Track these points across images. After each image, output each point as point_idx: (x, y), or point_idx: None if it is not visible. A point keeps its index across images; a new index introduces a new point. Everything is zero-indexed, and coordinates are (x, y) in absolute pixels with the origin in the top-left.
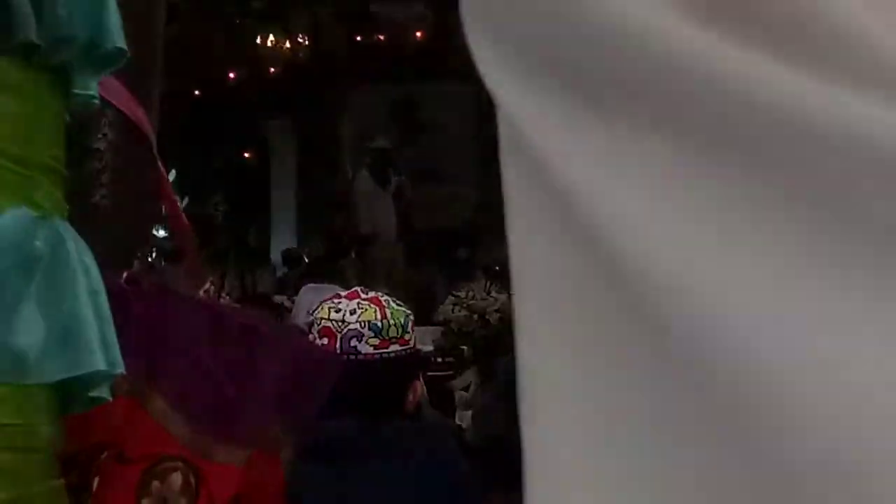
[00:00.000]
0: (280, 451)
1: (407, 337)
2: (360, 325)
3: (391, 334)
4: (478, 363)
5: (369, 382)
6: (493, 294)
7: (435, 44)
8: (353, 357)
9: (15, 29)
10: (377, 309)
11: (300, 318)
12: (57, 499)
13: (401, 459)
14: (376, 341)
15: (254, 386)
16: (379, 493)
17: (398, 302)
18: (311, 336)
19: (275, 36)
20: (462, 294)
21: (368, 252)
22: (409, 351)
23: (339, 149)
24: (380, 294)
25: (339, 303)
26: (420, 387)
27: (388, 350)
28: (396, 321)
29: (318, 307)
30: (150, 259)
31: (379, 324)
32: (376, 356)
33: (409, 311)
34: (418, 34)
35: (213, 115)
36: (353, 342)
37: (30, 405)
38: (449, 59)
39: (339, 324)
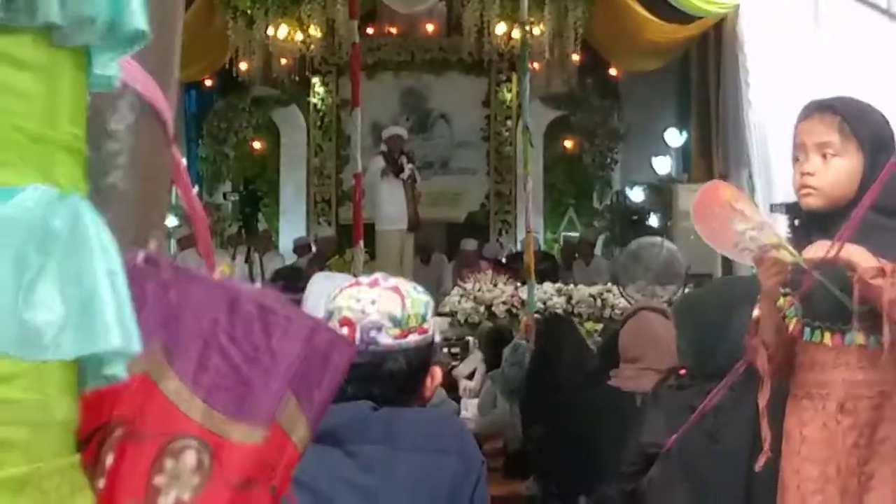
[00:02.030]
0: (294, 431)
1: (426, 325)
2: (380, 315)
3: (411, 324)
4: (483, 353)
5: (389, 372)
6: (500, 286)
7: (446, 37)
8: (372, 347)
9: (37, 8)
10: (397, 299)
11: (310, 305)
12: (72, 475)
13: (410, 445)
14: (396, 332)
15: (269, 366)
16: (387, 478)
17: (419, 289)
18: (330, 325)
19: (287, 27)
20: (468, 285)
21: (378, 242)
22: (427, 340)
23: (349, 139)
24: (400, 282)
25: (360, 291)
26: (439, 372)
27: (408, 340)
28: (416, 311)
29: (337, 295)
30: (165, 242)
31: (399, 314)
32: (395, 346)
33: (428, 299)
34: (430, 27)
35: (225, 105)
36: (373, 333)
37: (46, 381)
38: (460, 52)
39: (359, 314)
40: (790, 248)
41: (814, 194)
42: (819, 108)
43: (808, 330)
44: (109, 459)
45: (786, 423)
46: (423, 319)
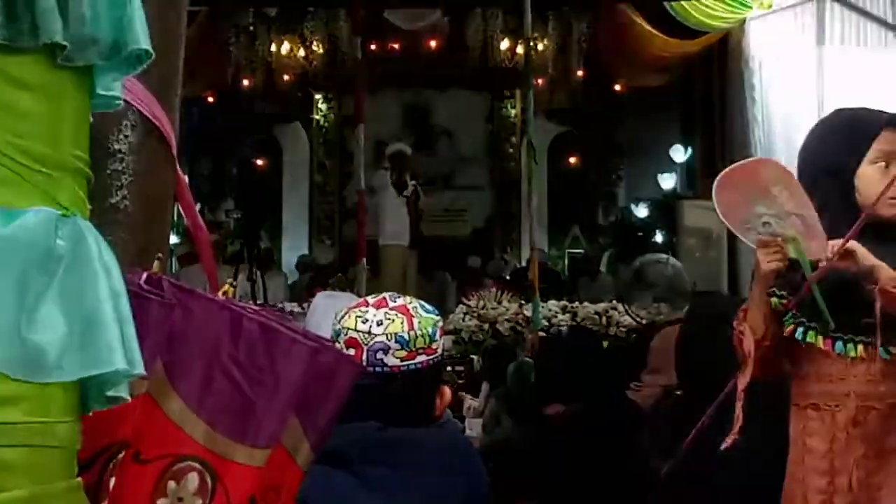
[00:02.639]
0: (298, 453)
1: (434, 346)
2: (387, 337)
3: (418, 345)
4: (488, 371)
5: (396, 393)
6: (504, 303)
7: (449, 52)
8: (379, 369)
9: (41, 29)
10: (404, 319)
11: (313, 324)
12: (75, 497)
13: (417, 465)
14: (403, 353)
15: (272, 387)
16: (394, 499)
17: (427, 308)
18: (336, 345)
19: (290, 44)
20: (472, 303)
21: (381, 259)
22: (436, 360)
23: (352, 156)
24: (408, 301)
25: (366, 312)
26: (448, 391)
27: (416, 361)
28: (424, 332)
29: (344, 315)
30: (167, 261)
31: (406, 336)
32: (402, 368)
33: (437, 318)
34: (433, 43)
35: (227, 122)
36: (380, 355)
37: (49, 404)
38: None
39: (366, 335)
40: (801, 249)
41: None
42: None
43: (800, 330)
44: (112, 482)
45: (790, 432)
46: (432, 340)
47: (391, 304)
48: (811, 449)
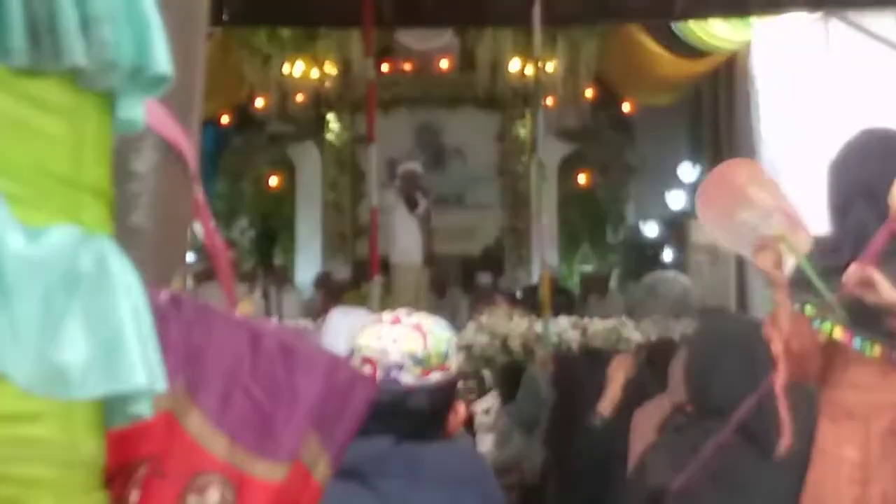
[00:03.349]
0: (316, 468)
1: (448, 363)
2: (402, 355)
3: (432, 363)
4: (499, 387)
5: (411, 410)
6: (515, 319)
7: (460, 72)
8: (394, 387)
9: (63, 52)
10: (419, 337)
11: (328, 341)
12: None
13: (431, 480)
14: (418, 371)
15: (291, 402)
16: None
17: (441, 324)
18: (352, 363)
19: (303, 64)
20: (484, 319)
21: (393, 276)
22: (449, 376)
23: (364, 174)
24: (423, 318)
25: (381, 329)
26: (462, 408)
27: (430, 378)
28: (438, 350)
29: (360, 333)
30: (186, 280)
31: (420, 354)
32: (417, 385)
33: (450, 335)
34: (444, 63)
35: (242, 141)
36: (394, 372)
37: (73, 420)
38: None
39: (380, 353)
40: (793, 244)
41: None
42: None
43: (817, 322)
44: (135, 497)
45: (820, 441)
46: (446, 357)
47: (405, 322)
48: (844, 458)
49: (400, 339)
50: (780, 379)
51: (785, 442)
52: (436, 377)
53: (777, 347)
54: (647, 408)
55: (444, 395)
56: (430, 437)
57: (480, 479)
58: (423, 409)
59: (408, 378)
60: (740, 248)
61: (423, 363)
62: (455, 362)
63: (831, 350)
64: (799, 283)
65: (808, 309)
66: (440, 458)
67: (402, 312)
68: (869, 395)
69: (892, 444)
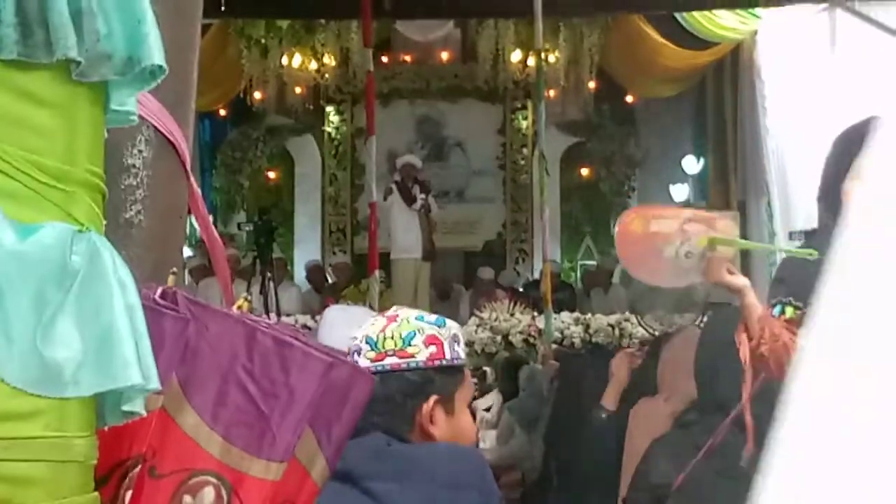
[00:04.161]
0: (313, 467)
1: (411, 350)
2: (360, 339)
3: (387, 346)
4: (500, 384)
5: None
6: (517, 315)
7: (461, 64)
8: None
9: (55, 45)
10: (384, 323)
11: (325, 338)
12: None
13: (427, 480)
14: (372, 354)
15: (287, 400)
16: None
17: (427, 318)
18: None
19: (301, 56)
20: (485, 315)
21: (392, 271)
22: (411, 365)
23: (364, 168)
24: (410, 311)
25: (373, 321)
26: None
27: (383, 362)
28: (397, 334)
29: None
30: (182, 276)
31: (374, 337)
32: (371, 370)
33: (426, 327)
34: (445, 55)
35: (240, 134)
36: (355, 356)
37: (66, 418)
38: (475, 80)
39: (351, 340)
40: (724, 237)
41: None
42: None
43: (778, 307)
44: (128, 496)
45: None
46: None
47: (388, 313)
48: None
49: (368, 326)
50: (746, 387)
51: (748, 448)
52: (391, 362)
53: (744, 353)
54: (641, 408)
55: (406, 384)
56: (393, 428)
57: (479, 477)
58: (376, 395)
59: (364, 362)
60: (690, 279)
61: (376, 346)
62: (428, 353)
63: None
64: (782, 281)
65: (789, 311)
66: (437, 458)
67: (400, 308)
68: None
69: None
